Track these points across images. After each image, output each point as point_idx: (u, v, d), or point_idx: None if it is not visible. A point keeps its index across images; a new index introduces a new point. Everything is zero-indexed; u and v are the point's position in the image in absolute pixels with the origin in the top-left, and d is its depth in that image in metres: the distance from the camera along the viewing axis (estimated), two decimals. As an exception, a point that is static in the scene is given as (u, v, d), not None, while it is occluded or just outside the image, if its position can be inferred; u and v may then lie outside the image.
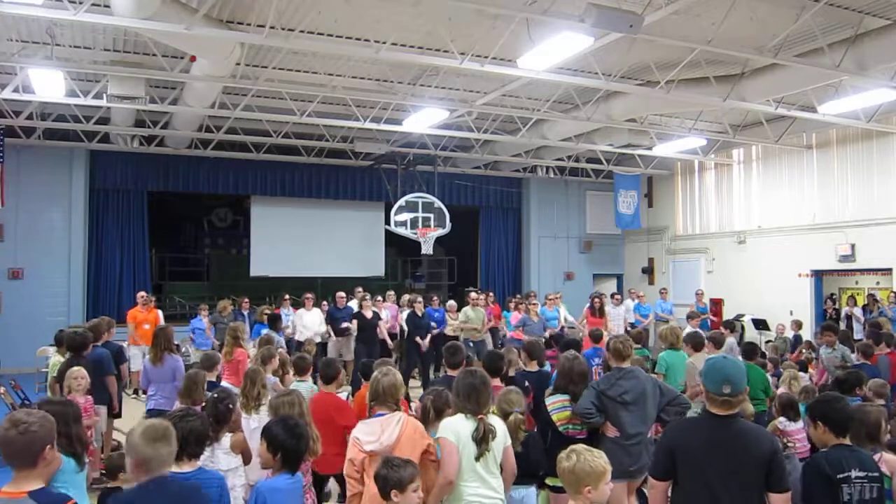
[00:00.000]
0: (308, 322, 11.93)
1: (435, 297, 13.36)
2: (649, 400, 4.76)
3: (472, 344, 11.48)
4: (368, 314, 11.37)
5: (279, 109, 12.52)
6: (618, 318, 13.68)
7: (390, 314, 12.70)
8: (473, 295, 13.01)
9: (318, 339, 11.62)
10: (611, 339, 5.12)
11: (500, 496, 3.86)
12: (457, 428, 3.83)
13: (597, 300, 13.53)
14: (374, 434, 3.75)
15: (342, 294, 12.40)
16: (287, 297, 13.01)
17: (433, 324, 12.09)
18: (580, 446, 3.10)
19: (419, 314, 11.93)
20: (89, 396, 6.10)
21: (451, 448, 3.74)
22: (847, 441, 3.50)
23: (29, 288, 14.41)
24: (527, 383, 5.70)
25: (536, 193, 19.63)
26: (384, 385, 3.93)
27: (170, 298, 18.76)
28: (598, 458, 3.02)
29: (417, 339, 11.76)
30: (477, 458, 3.78)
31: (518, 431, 4.30)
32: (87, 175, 15.30)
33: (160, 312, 12.18)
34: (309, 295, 12.41)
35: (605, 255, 20.27)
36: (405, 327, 12.34)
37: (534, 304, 11.86)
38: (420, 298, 12.44)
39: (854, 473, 3.33)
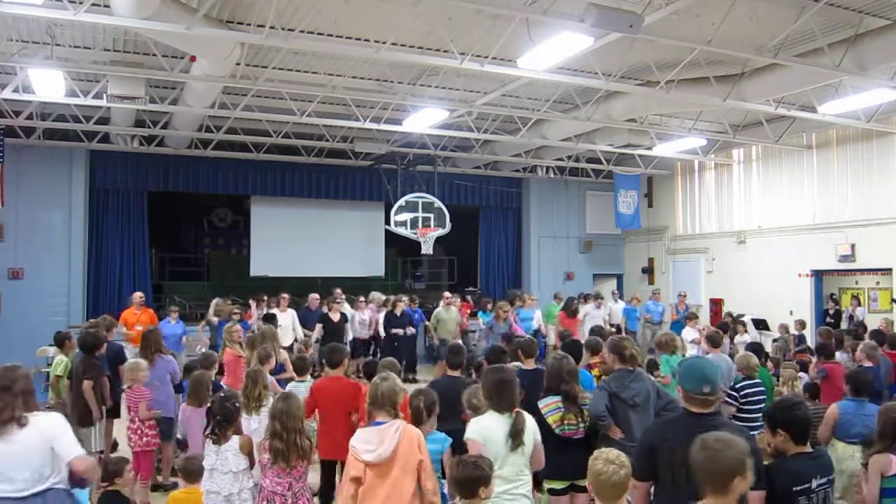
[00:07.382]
0: (280, 323, 11.09)
1: (407, 298, 13.34)
2: (651, 403, 4.77)
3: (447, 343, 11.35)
4: (335, 317, 11.23)
5: (279, 109, 12.50)
6: (596, 319, 13.45)
7: (370, 316, 12.68)
8: (447, 294, 12.99)
9: (289, 342, 11.07)
10: (615, 341, 5.00)
11: (528, 493, 3.88)
12: (487, 427, 3.88)
13: (575, 302, 13.52)
14: (371, 444, 3.75)
15: (315, 296, 12.26)
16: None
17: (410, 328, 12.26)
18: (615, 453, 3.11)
19: (398, 314, 11.88)
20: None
21: (477, 448, 3.78)
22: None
23: (29, 288, 14.38)
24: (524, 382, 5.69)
25: (536, 193, 19.61)
26: (383, 390, 3.94)
27: (170, 298, 18.73)
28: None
29: (395, 331, 11.88)
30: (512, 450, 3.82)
31: None
32: (87, 175, 15.27)
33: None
34: (284, 295, 12.28)
35: (605, 255, 20.26)
36: (382, 331, 12.39)
37: (506, 309, 11.59)
38: (405, 298, 12.43)
39: (815, 483, 3.28)
